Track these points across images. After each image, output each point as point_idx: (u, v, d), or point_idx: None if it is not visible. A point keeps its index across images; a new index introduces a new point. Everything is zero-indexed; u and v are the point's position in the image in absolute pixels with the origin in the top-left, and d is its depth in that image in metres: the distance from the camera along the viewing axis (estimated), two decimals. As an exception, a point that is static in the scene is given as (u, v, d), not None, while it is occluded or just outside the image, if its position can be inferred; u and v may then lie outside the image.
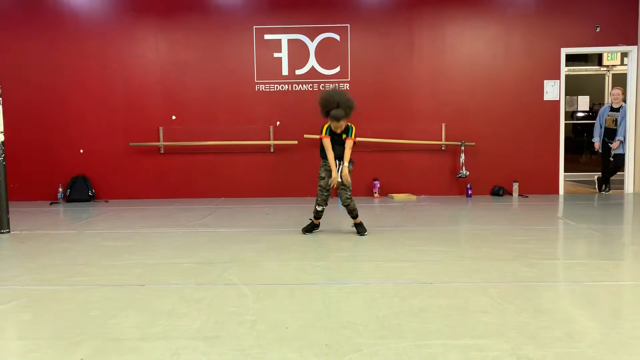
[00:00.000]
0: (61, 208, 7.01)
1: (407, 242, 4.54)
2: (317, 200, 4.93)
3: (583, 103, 10.74)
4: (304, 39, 7.53)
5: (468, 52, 7.53)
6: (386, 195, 7.57)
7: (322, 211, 4.95)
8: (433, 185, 7.65)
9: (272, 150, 7.63)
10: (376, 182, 7.51)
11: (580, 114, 10.79)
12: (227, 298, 3.09)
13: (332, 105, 4.70)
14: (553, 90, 7.50)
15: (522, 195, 7.46)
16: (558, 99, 7.52)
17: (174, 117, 7.60)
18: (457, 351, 2.30)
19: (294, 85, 7.57)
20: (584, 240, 4.72)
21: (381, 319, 2.71)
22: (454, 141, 7.54)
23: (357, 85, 7.50)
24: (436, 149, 7.64)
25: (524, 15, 7.46)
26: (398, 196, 7.37)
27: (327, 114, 4.75)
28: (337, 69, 7.55)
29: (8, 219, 5.25)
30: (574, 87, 10.19)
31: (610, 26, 7.40)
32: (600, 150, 7.83)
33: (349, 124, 4.85)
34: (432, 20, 7.50)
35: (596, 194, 7.74)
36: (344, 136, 4.81)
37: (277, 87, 7.58)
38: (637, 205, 6.81)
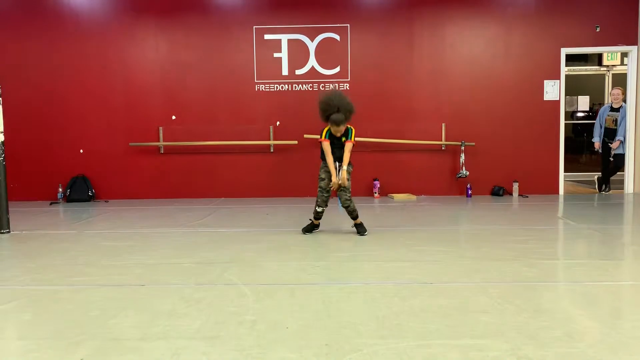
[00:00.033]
0: (61, 208, 7.01)
1: (407, 242, 4.54)
2: (317, 201, 4.94)
3: (583, 103, 10.74)
4: (304, 39, 7.53)
5: (468, 52, 7.53)
6: (386, 195, 7.57)
7: (322, 212, 4.95)
8: (433, 185, 7.65)
9: (272, 150, 7.63)
10: (376, 182, 7.51)
11: (580, 114, 10.79)
12: (227, 298, 3.09)
13: (332, 109, 4.70)
14: (553, 90, 7.50)
15: (522, 195, 7.46)
16: (558, 99, 7.52)
17: (174, 117, 7.60)
18: (457, 351, 2.30)
19: (294, 85, 7.57)
20: (584, 240, 4.72)
21: (381, 319, 2.71)
22: (454, 141, 7.55)
23: (357, 85, 7.50)
24: (436, 149, 7.64)
25: (524, 15, 7.46)
26: (398, 196, 7.37)
27: (327, 118, 4.75)
28: (337, 69, 7.55)
29: (8, 219, 5.25)
30: (574, 87, 10.19)
31: (610, 26, 7.41)
32: (600, 150, 7.83)
33: (349, 126, 4.86)
34: (432, 20, 7.50)
35: (596, 194, 7.74)
36: (343, 139, 4.83)
37: (277, 87, 7.58)
38: (637, 205, 6.81)
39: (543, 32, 7.45)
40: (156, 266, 3.87)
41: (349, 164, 4.85)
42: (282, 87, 7.58)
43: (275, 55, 7.55)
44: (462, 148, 7.46)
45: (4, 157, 5.17)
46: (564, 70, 7.54)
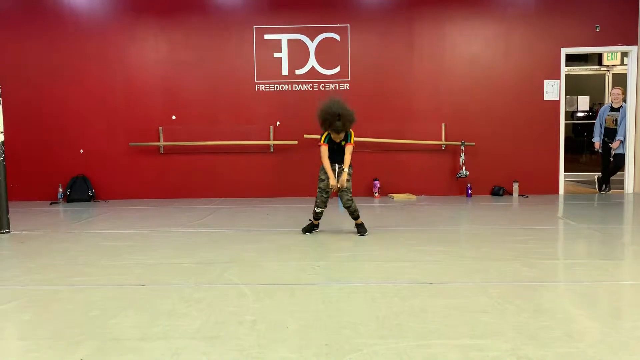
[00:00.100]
0: (61, 208, 7.01)
1: (407, 242, 4.54)
2: (316, 201, 4.94)
3: (583, 103, 10.74)
4: (304, 39, 7.53)
5: (468, 52, 7.53)
6: (386, 195, 7.57)
7: (321, 213, 4.96)
8: (433, 185, 7.65)
9: (272, 150, 7.63)
10: (376, 182, 7.51)
11: (580, 114, 10.79)
12: (227, 298, 3.09)
13: (334, 117, 4.71)
14: (553, 90, 7.50)
15: (522, 195, 7.46)
16: (558, 98, 7.52)
17: (174, 117, 7.60)
18: (457, 351, 2.30)
19: (294, 85, 7.57)
20: (584, 240, 4.72)
21: (381, 319, 2.71)
22: (454, 141, 7.54)
23: (357, 85, 7.50)
24: (436, 149, 7.64)
25: (524, 15, 7.46)
26: (398, 196, 7.37)
27: (328, 125, 4.75)
28: (337, 69, 7.55)
29: (8, 219, 5.25)
30: (574, 87, 10.18)
31: (610, 26, 7.40)
32: (600, 150, 7.84)
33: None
34: (432, 20, 7.50)
35: (596, 194, 7.74)
36: (343, 143, 4.86)
37: (277, 87, 7.58)
38: (637, 205, 6.80)
39: (543, 32, 7.45)
40: (156, 266, 3.87)
41: (350, 166, 4.87)
42: (282, 87, 7.58)
43: (275, 55, 7.55)
44: (462, 148, 7.46)
45: (4, 157, 5.17)
46: (564, 70, 7.54)
